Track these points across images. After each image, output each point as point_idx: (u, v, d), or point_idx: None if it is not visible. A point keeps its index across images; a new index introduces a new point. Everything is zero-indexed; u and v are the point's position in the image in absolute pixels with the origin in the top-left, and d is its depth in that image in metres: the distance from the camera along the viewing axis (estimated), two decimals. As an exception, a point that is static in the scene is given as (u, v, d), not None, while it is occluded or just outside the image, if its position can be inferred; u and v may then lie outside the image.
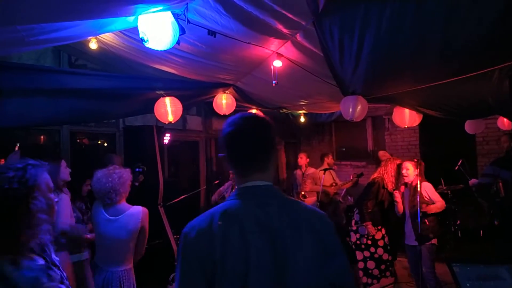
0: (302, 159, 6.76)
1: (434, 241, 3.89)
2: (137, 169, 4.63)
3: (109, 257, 2.66)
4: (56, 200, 1.51)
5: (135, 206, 2.68)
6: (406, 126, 5.35)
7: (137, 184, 4.72)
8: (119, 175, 2.64)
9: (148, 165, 4.83)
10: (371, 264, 4.54)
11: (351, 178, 6.23)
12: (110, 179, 2.60)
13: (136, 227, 2.61)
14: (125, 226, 2.60)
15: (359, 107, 4.00)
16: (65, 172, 3.30)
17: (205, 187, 6.71)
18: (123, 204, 2.68)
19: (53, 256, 1.43)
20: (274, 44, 3.33)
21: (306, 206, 1.26)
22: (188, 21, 2.63)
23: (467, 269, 2.68)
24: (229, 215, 1.14)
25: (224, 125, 1.26)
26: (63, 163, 3.33)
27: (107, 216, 2.64)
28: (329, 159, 6.49)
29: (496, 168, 4.78)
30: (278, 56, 3.50)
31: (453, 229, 5.98)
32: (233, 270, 1.07)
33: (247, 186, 1.21)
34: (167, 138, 5.55)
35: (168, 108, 4.39)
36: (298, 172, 6.96)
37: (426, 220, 3.83)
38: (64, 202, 3.12)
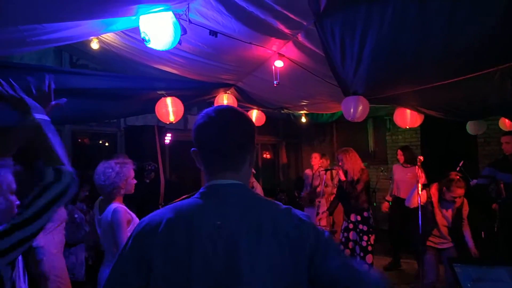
0: (317, 159, 6.55)
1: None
2: (148, 167, 4.67)
3: (106, 251, 2.68)
4: (17, 203, 1.48)
5: (113, 204, 2.61)
6: (407, 127, 5.34)
7: (147, 181, 4.75)
8: (117, 171, 2.62)
9: (149, 165, 4.86)
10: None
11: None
12: (107, 175, 2.59)
13: (108, 225, 2.55)
14: (104, 223, 2.59)
15: (360, 108, 3.99)
16: None
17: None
18: (114, 202, 2.62)
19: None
20: (275, 44, 3.33)
21: (277, 206, 1.08)
22: (190, 21, 2.64)
23: (468, 269, 2.68)
24: (180, 215, 1.03)
25: (197, 117, 1.13)
26: None
27: (98, 216, 2.68)
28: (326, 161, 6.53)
29: (493, 169, 4.79)
30: (279, 56, 3.50)
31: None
32: (172, 275, 0.98)
33: (211, 185, 1.08)
34: (168, 138, 5.56)
35: (169, 108, 4.39)
36: (308, 172, 6.82)
37: None
38: None
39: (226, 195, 1.06)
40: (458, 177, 3.72)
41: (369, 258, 4.21)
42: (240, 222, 1.01)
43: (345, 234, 4.39)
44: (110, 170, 2.59)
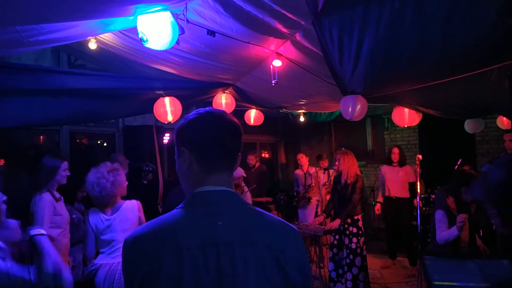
0: (303, 159, 6.87)
1: None
2: (146, 168, 4.68)
3: (114, 251, 2.67)
4: (4, 198, 1.51)
5: (128, 200, 2.78)
6: (405, 126, 5.36)
7: (145, 182, 4.75)
8: (111, 180, 2.63)
9: (147, 165, 4.86)
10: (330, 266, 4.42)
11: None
12: (102, 186, 2.61)
13: (135, 218, 2.74)
14: (125, 219, 2.69)
15: (358, 107, 3.99)
16: (61, 174, 3.20)
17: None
18: (118, 202, 2.76)
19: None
20: (273, 44, 3.33)
21: (271, 218, 1.06)
22: (188, 21, 2.63)
23: (439, 262, 2.71)
24: (165, 228, 0.98)
25: (184, 120, 1.07)
26: (64, 164, 3.24)
27: (106, 217, 2.69)
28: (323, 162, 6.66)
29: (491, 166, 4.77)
30: (277, 56, 3.50)
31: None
32: None
33: (202, 192, 1.02)
34: (166, 138, 5.56)
35: (168, 108, 4.39)
36: (299, 172, 6.97)
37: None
38: (44, 203, 3.03)
39: (216, 202, 1.01)
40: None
41: (358, 260, 4.15)
42: (231, 232, 0.97)
43: (337, 237, 4.38)
44: (104, 180, 2.60)
